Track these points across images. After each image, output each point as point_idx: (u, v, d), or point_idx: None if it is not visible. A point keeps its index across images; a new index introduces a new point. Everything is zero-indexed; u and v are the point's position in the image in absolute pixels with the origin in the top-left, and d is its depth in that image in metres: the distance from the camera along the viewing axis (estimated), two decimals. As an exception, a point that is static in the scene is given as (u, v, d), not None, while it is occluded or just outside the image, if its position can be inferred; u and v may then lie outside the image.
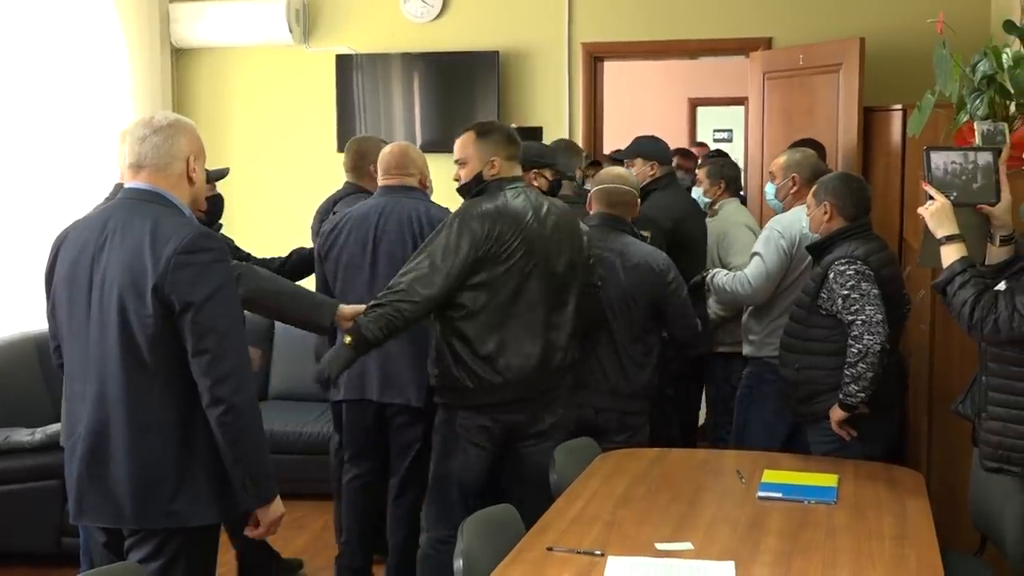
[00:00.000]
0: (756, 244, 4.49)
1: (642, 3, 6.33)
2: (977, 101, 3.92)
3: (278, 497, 2.75)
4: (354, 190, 4.66)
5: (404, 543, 4.17)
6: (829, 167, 5.24)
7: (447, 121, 6.48)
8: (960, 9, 5.69)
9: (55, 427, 4.55)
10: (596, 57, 6.43)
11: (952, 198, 3.05)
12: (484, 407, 3.56)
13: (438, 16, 6.52)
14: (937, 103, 4.21)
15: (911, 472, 3.54)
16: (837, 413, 3.72)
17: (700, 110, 11.88)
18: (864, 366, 3.62)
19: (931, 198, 3.06)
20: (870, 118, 5.48)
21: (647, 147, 5.10)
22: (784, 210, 4.54)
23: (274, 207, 6.63)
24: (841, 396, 3.68)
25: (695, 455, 3.81)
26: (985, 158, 3.11)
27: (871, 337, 3.62)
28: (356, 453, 4.27)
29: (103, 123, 6.16)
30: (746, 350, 4.55)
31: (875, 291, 3.67)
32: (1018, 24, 4.01)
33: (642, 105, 10.30)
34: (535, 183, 4.39)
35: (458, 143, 3.67)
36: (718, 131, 12.16)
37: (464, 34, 6.49)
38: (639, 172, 4.87)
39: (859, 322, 3.64)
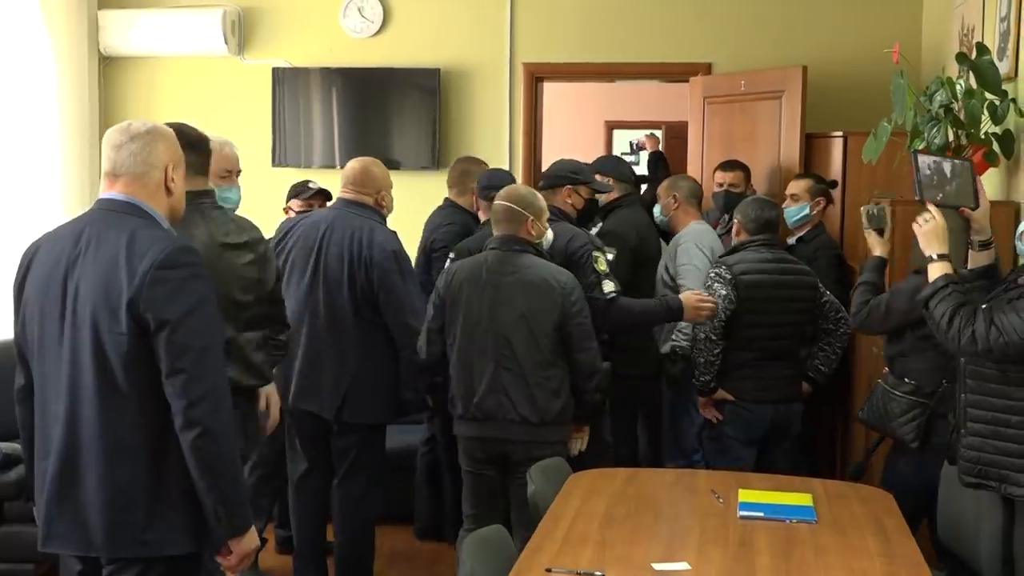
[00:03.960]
0: (692, 259, 4.83)
1: (583, 25, 6.37)
2: (934, 130, 4.05)
3: (252, 528, 2.62)
4: (449, 205, 5.07)
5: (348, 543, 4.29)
6: (754, 189, 5.52)
7: (385, 138, 6.45)
8: (892, 40, 5.91)
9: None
10: (537, 77, 6.44)
11: (938, 199, 3.20)
12: None
13: (378, 32, 6.46)
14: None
15: (880, 491, 3.60)
16: (700, 399, 4.41)
17: (616, 132, 12.03)
18: (696, 351, 4.35)
19: (928, 211, 3.17)
20: (811, 144, 5.61)
21: (607, 165, 5.18)
22: (669, 224, 5.21)
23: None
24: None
25: (664, 475, 3.83)
26: (964, 165, 3.30)
27: (699, 327, 4.30)
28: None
29: (29, 132, 5.94)
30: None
31: (723, 292, 4.25)
32: (970, 57, 4.14)
33: (560, 126, 10.36)
34: (569, 200, 4.39)
35: None
36: (625, 154, 12.33)
37: (404, 51, 6.44)
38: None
39: None
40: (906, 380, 3.82)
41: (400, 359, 4.16)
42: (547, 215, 3.98)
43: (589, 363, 3.85)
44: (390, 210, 4.37)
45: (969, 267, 3.28)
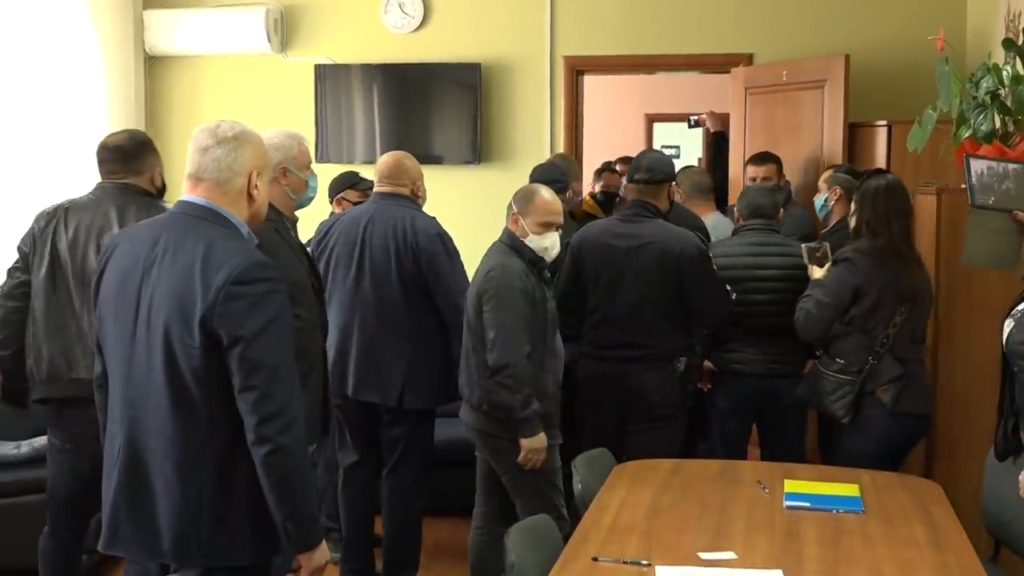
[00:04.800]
0: None
1: (623, 18, 6.36)
2: (980, 117, 4.00)
3: (323, 542, 2.58)
4: None
5: (395, 534, 4.35)
6: (787, 180, 5.50)
7: (426, 133, 6.49)
8: (936, 26, 5.85)
9: (41, 440, 4.43)
10: (578, 71, 6.44)
11: (990, 202, 3.22)
12: None
13: (419, 27, 6.50)
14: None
15: (927, 481, 3.58)
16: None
17: (656, 125, 11.99)
18: None
19: None
20: (854, 134, 5.57)
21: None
22: None
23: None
24: None
25: (709, 465, 3.81)
26: (1017, 168, 3.27)
27: None
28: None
29: (76, 130, 6.03)
30: None
31: None
32: (1017, 43, 4.09)
33: (600, 119, 10.34)
34: (671, 198, 4.51)
35: None
36: (665, 147, 12.30)
37: (445, 46, 6.47)
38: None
39: None
40: (837, 360, 3.96)
41: (451, 341, 4.20)
42: (542, 219, 3.81)
43: (489, 353, 3.71)
44: (424, 200, 4.42)
45: None
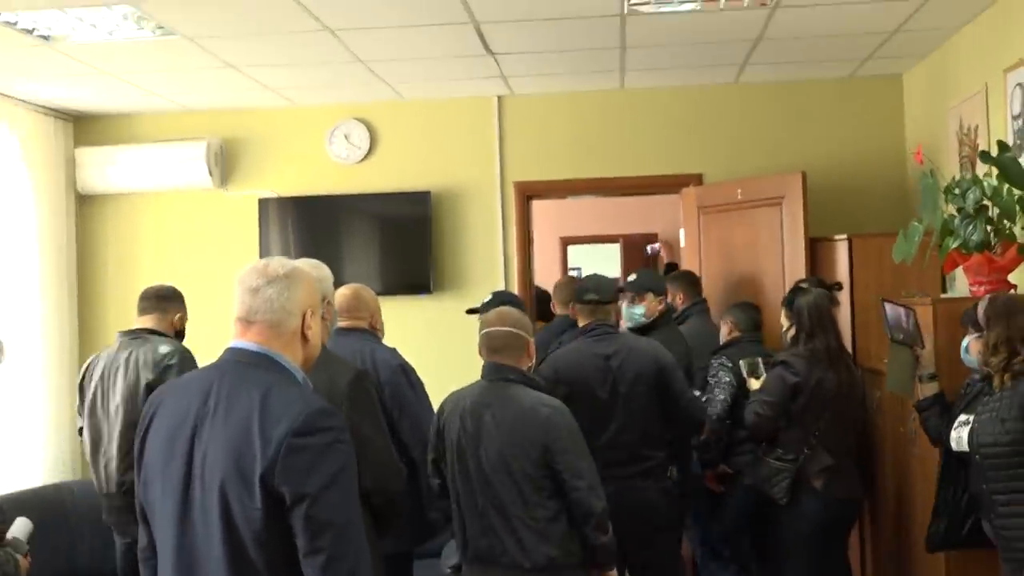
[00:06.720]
0: None
1: (571, 142, 6.40)
2: (971, 228, 4.07)
3: None
4: (570, 324, 5.12)
5: None
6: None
7: (378, 263, 6.35)
8: (876, 145, 6.07)
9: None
10: (528, 196, 6.43)
11: (900, 338, 3.96)
12: None
13: (365, 157, 6.43)
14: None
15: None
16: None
17: (571, 248, 12.10)
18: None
19: None
20: (814, 248, 5.63)
21: (653, 281, 5.05)
22: None
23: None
24: None
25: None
26: (912, 313, 3.96)
27: (711, 408, 4.83)
28: None
29: (7, 271, 5.73)
30: None
31: (726, 379, 4.86)
32: (992, 155, 4.20)
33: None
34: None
35: None
36: (572, 269, 12.44)
37: (393, 175, 6.40)
38: (649, 307, 4.77)
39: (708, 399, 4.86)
40: (776, 449, 4.42)
41: (419, 477, 3.95)
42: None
43: (581, 502, 3.47)
44: (383, 332, 4.27)
45: (920, 397, 3.86)
